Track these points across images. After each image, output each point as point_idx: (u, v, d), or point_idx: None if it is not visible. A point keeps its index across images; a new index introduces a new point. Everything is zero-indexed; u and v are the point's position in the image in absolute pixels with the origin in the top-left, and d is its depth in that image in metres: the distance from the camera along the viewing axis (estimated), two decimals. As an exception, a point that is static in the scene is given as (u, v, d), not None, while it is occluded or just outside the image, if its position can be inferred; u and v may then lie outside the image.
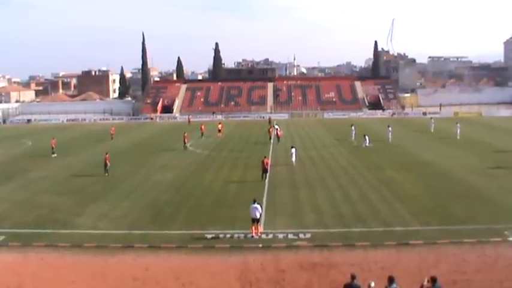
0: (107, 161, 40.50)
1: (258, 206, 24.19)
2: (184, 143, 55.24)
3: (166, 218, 27.48)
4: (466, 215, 26.58)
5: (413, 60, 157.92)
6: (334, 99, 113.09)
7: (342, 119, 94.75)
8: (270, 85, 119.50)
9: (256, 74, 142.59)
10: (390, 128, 61.46)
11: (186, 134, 56.82)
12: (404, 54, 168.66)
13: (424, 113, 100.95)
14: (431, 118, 77.20)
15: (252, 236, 23.56)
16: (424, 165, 42.64)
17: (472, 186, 33.87)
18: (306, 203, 30.06)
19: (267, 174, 36.83)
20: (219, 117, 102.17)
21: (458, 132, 61.04)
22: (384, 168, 41.20)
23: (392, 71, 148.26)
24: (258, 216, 23.93)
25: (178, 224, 26.21)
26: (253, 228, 23.76)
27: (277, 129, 62.58)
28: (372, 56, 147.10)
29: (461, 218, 26.19)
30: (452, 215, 26.83)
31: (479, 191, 32.37)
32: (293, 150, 43.65)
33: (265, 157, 38.64)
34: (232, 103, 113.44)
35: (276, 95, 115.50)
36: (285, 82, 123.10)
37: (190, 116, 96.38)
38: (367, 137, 54.89)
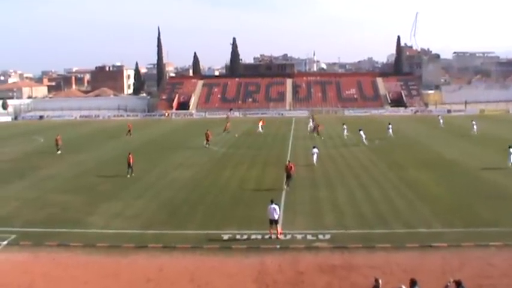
0: (131, 161, 39.33)
1: (276, 207, 23.96)
2: (207, 140, 54.84)
3: (181, 218, 27.47)
4: (492, 217, 26.13)
5: (438, 56, 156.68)
6: (355, 96, 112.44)
7: (363, 116, 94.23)
8: (289, 81, 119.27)
9: (275, 69, 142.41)
10: (390, 125, 62.14)
11: (208, 132, 56.54)
12: (428, 49, 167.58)
13: (449, 111, 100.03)
14: (438, 116, 76.80)
15: (270, 237, 23.40)
16: (448, 163, 42.21)
17: (499, 185, 33.36)
18: (326, 203, 29.85)
19: (290, 181, 33.78)
20: (236, 114, 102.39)
21: (475, 128, 62.17)
22: (406, 166, 40.83)
23: (416, 67, 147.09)
24: (276, 217, 23.72)
25: (194, 224, 26.18)
26: (271, 229, 23.58)
27: (313, 123, 63.09)
28: (394, 52, 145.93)
29: (487, 219, 25.77)
30: (478, 216, 26.43)
31: (506, 190, 31.85)
32: (315, 149, 43.07)
33: (289, 161, 36.10)
34: (250, 100, 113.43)
35: (295, 92, 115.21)
36: (304, 78, 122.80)
37: (229, 112, 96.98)
38: (362, 133, 55.73)
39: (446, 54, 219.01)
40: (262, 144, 57.54)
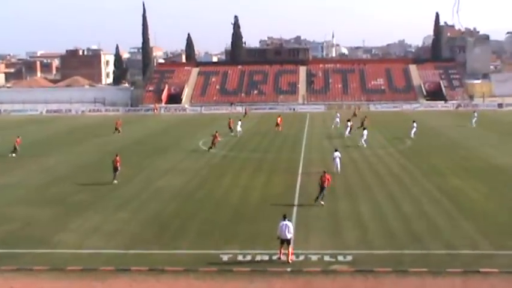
0: (117, 164, 39.89)
1: (290, 224, 23.87)
2: (213, 143, 54.10)
3: (172, 234, 27.54)
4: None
5: (487, 37, 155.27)
6: (382, 87, 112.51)
7: (393, 112, 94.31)
8: (303, 69, 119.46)
9: (285, 55, 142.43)
10: (415, 124, 61.89)
11: (217, 133, 55.85)
12: (474, 29, 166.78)
13: (500, 105, 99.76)
14: (474, 112, 76.85)
15: (279, 258, 23.45)
16: (499, 171, 42.13)
17: (562, 198, 33.34)
18: (347, 218, 29.87)
19: (322, 195, 32.83)
20: (238, 108, 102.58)
21: None
22: (446, 174, 40.80)
23: (459, 51, 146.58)
24: (289, 236, 23.67)
25: (187, 242, 26.24)
26: (281, 250, 23.56)
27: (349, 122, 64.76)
28: (431, 33, 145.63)
29: (548, 240, 25.75)
30: (536, 235, 26.41)
31: None
32: (337, 153, 42.33)
33: (325, 172, 33.87)
34: (255, 92, 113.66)
35: (309, 82, 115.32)
36: (320, 65, 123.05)
37: (247, 107, 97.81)
38: (349, 127, 58.06)
39: (498, 35, 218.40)
40: (270, 146, 57.61)
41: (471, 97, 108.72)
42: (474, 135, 62.70)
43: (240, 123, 66.57)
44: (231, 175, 42.16)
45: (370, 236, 26.68)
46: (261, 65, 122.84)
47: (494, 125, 73.13)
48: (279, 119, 70.99)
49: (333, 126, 62.78)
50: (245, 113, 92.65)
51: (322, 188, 32.73)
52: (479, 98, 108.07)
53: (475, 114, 73.91)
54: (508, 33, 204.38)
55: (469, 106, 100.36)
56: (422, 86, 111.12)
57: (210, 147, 53.91)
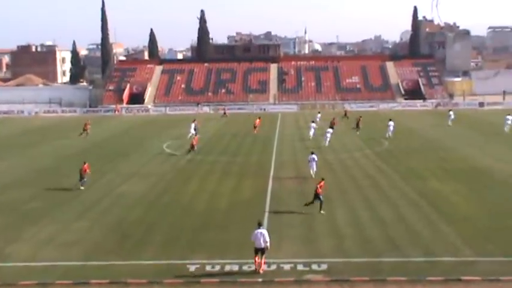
0: (85, 171, 39.84)
1: (265, 232, 23.92)
2: (192, 147, 53.84)
3: (135, 244, 27.42)
4: (543, 242, 26.59)
5: (467, 33, 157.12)
6: (358, 86, 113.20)
7: (370, 111, 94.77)
8: (273, 67, 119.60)
9: (255, 52, 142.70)
10: (391, 123, 63.26)
11: (196, 137, 55.97)
12: (454, 24, 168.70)
13: (481, 104, 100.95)
14: (450, 110, 78.20)
15: (256, 270, 23.31)
16: (480, 173, 42.74)
17: (547, 201, 33.96)
18: (322, 224, 30.03)
19: (321, 205, 32.37)
20: (205, 109, 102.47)
21: (508, 124, 64.81)
22: (425, 177, 41.24)
23: (438, 47, 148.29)
24: (264, 245, 23.69)
25: (151, 252, 26.14)
26: (257, 260, 23.50)
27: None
28: (409, 28, 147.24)
29: (531, 245, 26.18)
30: (523, 241, 26.87)
31: (554, 208, 32.43)
32: (313, 156, 42.43)
33: (322, 179, 33.89)
34: (223, 91, 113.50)
35: (281, 80, 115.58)
36: (292, 63, 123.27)
37: (226, 107, 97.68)
38: (328, 134, 57.08)
39: (479, 30, 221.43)
40: (239, 148, 57.61)
41: (451, 96, 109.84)
42: (454, 136, 63.41)
43: (193, 125, 65.32)
44: (198, 179, 42.10)
45: (346, 243, 26.85)
46: (229, 62, 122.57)
47: (475, 124, 74.07)
48: (257, 120, 71.15)
49: (311, 134, 61.85)
50: (224, 113, 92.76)
51: (315, 196, 32.47)
52: (460, 97, 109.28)
53: (451, 113, 75.13)
54: (489, 28, 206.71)
55: (449, 105, 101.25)
56: (399, 84, 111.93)
57: (189, 151, 53.86)
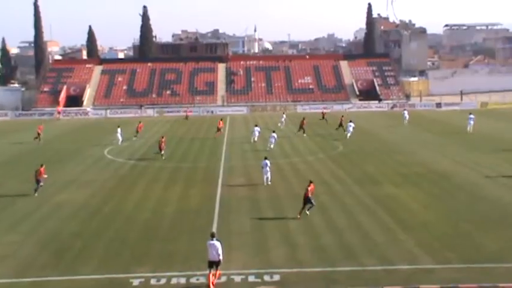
0: (40, 176, 40.03)
1: (218, 244, 23.57)
2: (160, 149, 54.23)
3: (72, 258, 27.00)
4: (500, 249, 27.05)
5: (423, 31, 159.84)
6: (310, 87, 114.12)
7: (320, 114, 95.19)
8: (221, 67, 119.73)
9: (202, 51, 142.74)
10: (352, 124, 65.55)
11: (163, 139, 56.04)
12: (410, 22, 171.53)
13: (438, 104, 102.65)
14: (404, 110, 79.75)
15: (208, 287, 23.11)
16: (438, 177, 43.44)
17: (510, 206, 34.61)
18: (273, 232, 30.10)
19: (311, 207, 33.19)
20: (149, 111, 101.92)
21: (471, 125, 67.26)
22: (382, 182, 41.77)
23: (393, 46, 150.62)
24: (218, 258, 23.41)
25: (91, 266, 25.81)
26: (211, 275, 23.30)
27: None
28: (363, 26, 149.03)
29: (493, 252, 26.65)
30: (481, 248, 27.31)
31: (515, 211, 33.14)
32: (266, 161, 42.21)
33: (311, 181, 34.31)
34: (168, 92, 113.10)
35: (229, 81, 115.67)
36: (242, 62, 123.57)
37: (188, 109, 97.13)
38: (274, 135, 58.21)
39: (435, 28, 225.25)
40: (186, 153, 57.43)
41: (407, 96, 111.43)
42: (411, 138, 64.38)
43: (119, 130, 64.95)
44: (142, 187, 41.81)
45: (299, 252, 26.97)
46: (174, 62, 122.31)
47: (433, 126, 75.34)
48: (220, 122, 71.10)
49: (255, 138, 62.41)
50: (186, 117, 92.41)
51: (305, 200, 32.88)
52: (416, 97, 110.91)
53: (405, 112, 76.54)
54: (445, 26, 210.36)
55: (406, 106, 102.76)
56: (354, 84, 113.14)
57: (157, 153, 54.31)
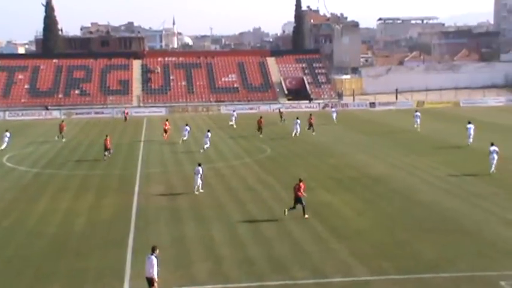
0: None
1: (153, 259, 23.42)
2: (106, 148, 55.56)
3: (-31, 278, 26.44)
4: (438, 257, 27.67)
5: (356, 25, 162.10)
6: (235, 85, 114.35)
7: (249, 114, 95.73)
8: (137, 63, 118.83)
9: (115, 46, 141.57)
10: (298, 120, 68.44)
11: (107, 138, 57.07)
12: (341, 15, 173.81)
13: (372, 104, 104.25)
14: (331, 107, 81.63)
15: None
16: (373, 181, 44.21)
17: (447, 212, 35.45)
18: (196, 245, 30.11)
19: (292, 209, 34.33)
20: (55, 113, 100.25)
21: (418, 123, 71.22)
22: (313, 187, 41.96)
23: (324, 41, 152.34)
24: (150, 274, 23.23)
25: (-10, 286, 25.33)
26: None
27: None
28: (292, 19, 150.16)
29: (432, 261, 27.23)
30: (419, 256, 27.87)
31: (457, 219, 33.88)
32: (198, 168, 41.75)
33: (300, 180, 35.34)
34: (77, 92, 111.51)
35: (146, 79, 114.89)
36: (159, 59, 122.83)
37: (126, 110, 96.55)
38: (208, 140, 58.90)
39: (369, 22, 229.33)
40: (98, 160, 56.76)
41: (339, 95, 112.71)
42: (344, 140, 65.22)
43: (7, 133, 63.88)
44: (47, 198, 41.10)
45: (225, 266, 27.01)
46: (83, 58, 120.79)
47: (367, 127, 76.51)
48: (166, 123, 70.56)
49: (183, 138, 63.14)
50: (125, 118, 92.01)
51: (296, 200, 33.76)
52: (349, 97, 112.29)
53: (333, 109, 78.36)
54: (379, 19, 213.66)
55: (336, 106, 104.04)
56: (282, 82, 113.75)
57: (105, 155, 55.12)
